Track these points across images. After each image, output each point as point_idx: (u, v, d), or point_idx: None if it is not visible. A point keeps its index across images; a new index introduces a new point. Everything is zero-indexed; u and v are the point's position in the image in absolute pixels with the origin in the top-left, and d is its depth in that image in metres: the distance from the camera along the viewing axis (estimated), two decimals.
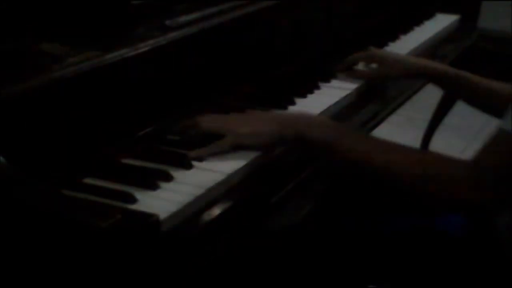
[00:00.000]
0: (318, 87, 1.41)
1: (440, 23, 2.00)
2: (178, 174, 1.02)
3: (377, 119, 1.43)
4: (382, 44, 1.73)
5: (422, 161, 1.04)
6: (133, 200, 0.93)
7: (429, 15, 2.04)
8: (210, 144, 1.08)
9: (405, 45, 1.77)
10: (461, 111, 2.35)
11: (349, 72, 1.50)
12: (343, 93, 1.39)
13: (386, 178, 1.06)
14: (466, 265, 1.17)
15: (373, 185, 1.26)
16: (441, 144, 2.23)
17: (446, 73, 1.46)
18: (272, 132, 1.09)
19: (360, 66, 1.54)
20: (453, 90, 1.53)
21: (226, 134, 1.09)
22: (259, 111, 1.21)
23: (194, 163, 1.06)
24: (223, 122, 1.11)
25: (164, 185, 0.99)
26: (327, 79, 1.45)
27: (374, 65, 1.51)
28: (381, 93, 1.51)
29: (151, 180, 0.99)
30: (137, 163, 1.06)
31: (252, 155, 1.09)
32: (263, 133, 1.09)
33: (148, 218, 0.88)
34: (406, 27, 1.89)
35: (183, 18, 1.20)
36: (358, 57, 1.52)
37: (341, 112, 1.36)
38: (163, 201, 0.95)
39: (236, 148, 1.09)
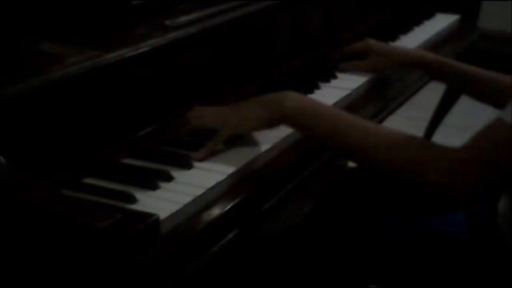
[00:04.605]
0: (318, 87, 1.41)
1: (440, 23, 2.00)
2: (178, 174, 1.02)
3: (377, 119, 1.43)
4: None
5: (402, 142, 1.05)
6: (133, 200, 0.93)
7: (429, 15, 2.04)
8: (207, 143, 1.09)
9: (405, 45, 1.76)
10: (461, 111, 2.35)
11: (348, 64, 1.53)
12: (343, 93, 1.39)
13: (366, 154, 1.06)
14: (467, 265, 1.17)
15: (375, 186, 1.27)
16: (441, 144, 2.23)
17: (438, 62, 1.47)
18: (260, 114, 1.11)
19: None
20: (449, 81, 1.54)
21: (219, 128, 1.10)
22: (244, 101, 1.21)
23: (194, 163, 1.06)
24: (211, 117, 1.12)
25: (164, 185, 0.99)
26: (327, 79, 1.45)
27: None
28: (381, 93, 1.51)
29: (151, 180, 0.99)
30: (137, 163, 1.06)
31: (252, 155, 1.09)
32: (253, 118, 1.11)
33: (148, 218, 0.88)
34: (406, 27, 1.89)
35: (183, 18, 1.20)
36: (356, 47, 1.56)
37: None
38: (163, 201, 0.95)
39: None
